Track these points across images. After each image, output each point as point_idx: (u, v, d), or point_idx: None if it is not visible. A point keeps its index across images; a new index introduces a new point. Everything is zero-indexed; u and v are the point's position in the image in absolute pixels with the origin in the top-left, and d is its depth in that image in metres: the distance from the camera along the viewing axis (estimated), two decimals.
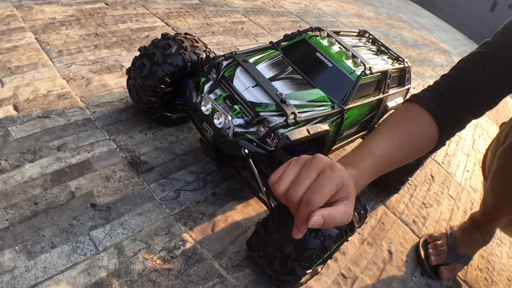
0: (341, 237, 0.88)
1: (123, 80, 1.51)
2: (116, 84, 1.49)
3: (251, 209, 1.21)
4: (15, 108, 1.24)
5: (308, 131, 1.00)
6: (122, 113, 1.37)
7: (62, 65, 1.49)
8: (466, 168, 2.10)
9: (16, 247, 0.88)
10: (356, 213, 0.91)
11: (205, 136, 1.11)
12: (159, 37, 1.26)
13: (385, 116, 1.37)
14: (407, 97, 1.45)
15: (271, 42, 1.23)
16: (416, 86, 2.74)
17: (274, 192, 0.68)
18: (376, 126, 1.53)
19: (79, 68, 1.51)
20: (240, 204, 1.21)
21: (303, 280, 0.99)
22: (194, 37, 1.29)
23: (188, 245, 1.03)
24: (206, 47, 1.28)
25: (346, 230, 0.88)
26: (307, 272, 0.91)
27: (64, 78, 1.43)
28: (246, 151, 0.95)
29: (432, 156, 1.97)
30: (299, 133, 0.98)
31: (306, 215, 0.64)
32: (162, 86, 1.19)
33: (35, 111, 1.25)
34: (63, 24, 1.74)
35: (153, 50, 1.21)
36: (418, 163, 1.38)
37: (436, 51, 4.13)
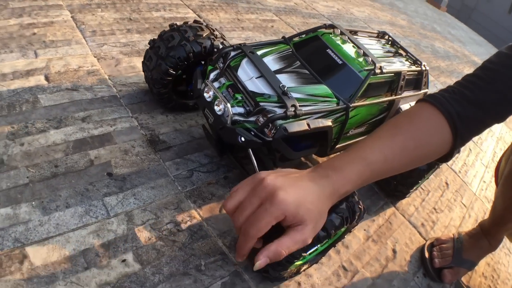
0: (325, 237, 0.84)
1: None
2: None
3: None
4: (46, 78, 1.30)
5: (308, 124, 1.00)
6: (147, 95, 1.42)
7: (95, 44, 1.56)
8: (483, 179, 2.08)
9: (33, 202, 0.94)
10: (337, 220, 0.84)
11: (208, 124, 1.13)
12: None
13: None
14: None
15: (283, 37, 1.25)
16: None
17: (224, 207, 0.74)
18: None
19: (111, 48, 1.58)
20: None
21: (292, 270, 0.99)
22: (201, 24, 1.28)
23: (194, 221, 1.07)
24: (213, 32, 1.27)
25: (319, 238, 0.82)
26: (295, 262, 0.90)
27: (95, 57, 1.50)
28: (243, 139, 0.96)
29: (449, 164, 1.96)
30: (298, 126, 0.98)
31: (245, 245, 0.69)
32: (168, 78, 1.22)
33: (64, 83, 1.32)
34: (99, 6, 1.81)
35: (158, 43, 1.23)
36: (428, 169, 1.36)
37: (467, 63, 4.08)
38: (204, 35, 1.24)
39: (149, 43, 1.28)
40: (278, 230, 0.71)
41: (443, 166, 1.91)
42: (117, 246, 0.93)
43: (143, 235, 0.98)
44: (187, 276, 0.93)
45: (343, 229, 0.99)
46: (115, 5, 1.87)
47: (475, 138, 2.46)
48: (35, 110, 1.18)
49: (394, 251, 1.31)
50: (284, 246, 0.68)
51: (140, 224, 1.00)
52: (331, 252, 1.17)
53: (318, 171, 0.75)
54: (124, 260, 0.91)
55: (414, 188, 1.50)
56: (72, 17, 1.66)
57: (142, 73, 1.50)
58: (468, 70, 3.85)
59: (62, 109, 1.22)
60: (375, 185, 1.53)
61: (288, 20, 2.69)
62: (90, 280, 0.84)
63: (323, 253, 1.08)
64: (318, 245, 1.04)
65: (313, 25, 2.87)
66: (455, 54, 4.22)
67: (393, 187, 1.42)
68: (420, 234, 1.44)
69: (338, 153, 1.13)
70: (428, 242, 1.37)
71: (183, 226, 1.04)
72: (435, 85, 2.86)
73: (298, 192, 0.69)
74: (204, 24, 1.30)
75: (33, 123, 1.14)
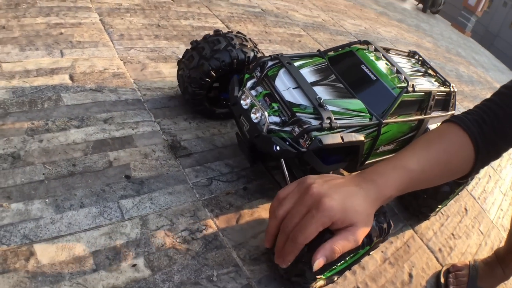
0: (357, 249, 0.84)
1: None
2: (169, 73, 1.53)
3: None
4: (71, 78, 1.30)
5: (342, 138, 0.99)
6: (171, 100, 1.40)
7: (122, 48, 1.55)
8: (500, 207, 1.99)
9: (47, 200, 0.91)
10: (376, 228, 0.87)
11: (242, 132, 1.11)
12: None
13: None
14: None
15: (318, 51, 1.24)
16: None
17: (272, 212, 0.76)
18: None
19: (137, 53, 1.57)
20: (269, 203, 1.19)
21: (317, 285, 0.96)
22: (245, 36, 1.31)
23: (210, 231, 1.03)
24: (255, 47, 1.29)
25: (363, 243, 0.85)
26: (318, 277, 0.88)
27: (121, 60, 1.49)
28: (278, 148, 0.95)
29: (468, 190, 1.89)
30: (333, 139, 0.97)
31: (292, 251, 0.72)
32: (207, 79, 1.22)
33: (89, 84, 1.30)
34: (128, 11, 1.81)
35: (203, 44, 1.24)
36: (450, 191, 1.32)
37: (490, 89, 3.98)
38: (248, 46, 1.26)
39: (191, 43, 1.28)
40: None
41: (463, 191, 1.84)
42: (129, 250, 0.89)
43: (156, 241, 0.94)
44: (197, 286, 0.89)
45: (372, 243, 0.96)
46: (144, 11, 1.87)
47: (495, 165, 2.39)
48: (57, 108, 1.17)
49: (410, 275, 1.24)
50: (338, 245, 0.70)
51: (154, 229, 0.96)
52: (347, 272, 1.11)
53: (362, 176, 0.77)
54: (134, 265, 0.87)
55: (436, 210, 1.45)
56: (100, 19, 1.66)
57: (168, 79, 1.49)
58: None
59: (84, 109, 1.21)
60: (396, 207, 1.48)
61: (316, 36, 2.67)
62: (97, 282, 0.80)
63: (349, 266, 1.03)
64: (348, 257, 1.00)
65: (340, 42, 2.83)
66: (478, 79, 4.14)
67: (421, 201, 1.37)
68: (437, 259, 1.37)
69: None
70: (444, 268, 1.33)
71: (198, 234, 1.00)
72: (458, 109, 2.79)
73: (344, 197, 0.71)
74: (248, 37, 1.32)
75: (54, 121, 1.12)
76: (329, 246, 0.69)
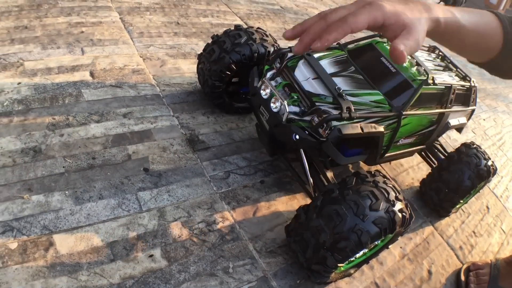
0: (379, 235, 0.84)
1: (196, 67, 1.56)
2: (188, 69, 1.54)
3: (296, 203, 1.18)
4: (91, 74, 1.32)
5: (361, 128, 0.98)
6: (189, 95, 1.41)
7: (141, 45, 1.57)
8: None
9: (67, 192, 0.93)
10: (401, 216, 0.87)
11: (261, 122, 1.12)
12: None
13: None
14: (472, 116, 1.40)
15: (338, 43, 1.23)
16: (487, 118, 2.58)
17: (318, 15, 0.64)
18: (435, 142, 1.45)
19: (157, 50, 1.59)
20: (286, 196, 1.19)
21: (333, 276, 0.95)
22: (265, 31, 1.31)
23: (227, 223, 1.03)
24: (275, 42, 1.29)
25: (386, 230, 0.84)
26: (339, 265, 0.87)
27: (141, 57, 1.51)
28: (297, 137, 0.95)
29: (490, 188, 1.83)
30: (352, 128, 0.96)
31: (335, 29, 0.59)
32: (227, 72, 1.22)
33: (109, 80, 1.32)
34: (147, 9, 1.83)
35: (224, 38, 1.25)
36: (472, 185, 1.29)
37: None
38: (268, 41, 1.27)
39: (212, 37, 1.29)
40: None
41: (485, 189, 1.79)
42: (146, 241, 0.90)
43: (174, 232, 0.95)
44: (213, 277, 0.89)
45: (390, 235, 0.96)
46: (164, 9, 1.89)
47: None
48: (77, 103, 1.19)
49: (429, 272, 1.22)
50: (406, 38, 0.63)
51: (171, 220, 0.97)
52: (364, 267, 1.10)
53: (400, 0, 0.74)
54: (151, 256, 0.88)
55: (458, 206, 1.44)
56: (120, 18, 1.69)
57: (187, 75, 1.50)
58: None
59: (104, 104, 1.23)
60: (416, 202, 1.45)
61: None
62: (114, 272, 0.82)
63: (367, 260, 1.04)
64: (366, 250, 1.01)
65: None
66: (501, 78, 4.03)
67: (443, 196, 1.34)
68: (457, 257, 1.34)
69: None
70: (464, 266, 1.29)
71: (215, 226, 1.01)
72: (480, 107, 2.73)
73: (395, 6, 0.67)
74: (268, 32, 1.33)
75: (75, 116, 1.14)
76: (399, 41, 0.62)
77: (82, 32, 1.50)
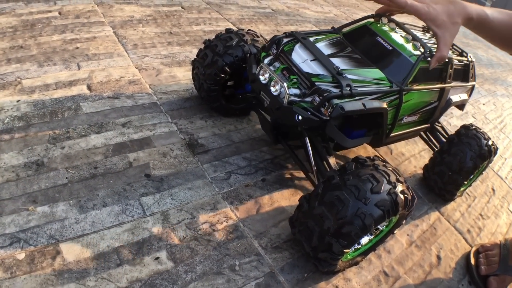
0: (383, 218, 0.85)
1: (191, 73, 1.58)
2: (184, 76, 1.56)
3: (299, 198, 1.19)
4: (89, 88, 1.34)
5: (364, 104, 0.98)
6: (186, 101, 1.43)
7: (136, 57, 1.60)
8: None
9: (71, 201, 0.95)
10: (403, 197, 0.87)
11: (263, 110, 1.12)
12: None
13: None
14: (472, 94, 1.43)
15: (332, 27, 1.24)
16: (487, 102, 2.59)
17: None
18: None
19: (152, 60, 1.61)
20: (288, 192, 1.20)
21: (340, 264, 0.96)
22: (256, 33, 1.33)
23: (230, 222, 1.04)
24: (267, 42, 1.30)
25: (389, 212, 0.85)
26: (345, 251, 0.88)
27: (136, 68, 1.53)
28: (300, 117, 0.95)
29: (495, 170, 1.84)
30: (354, 106, 0.96)
31: None
32: (222, 75, 1.24)
33: (106, 92, 1.35)
34: (140, 22, 1.86)
35: (216, 42, 1.27)
36: (474, 166, 1.29)
37: (511, 71, 3.87)
38: (259, 41, 1.29)
39: (204, 42, 1.31)
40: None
41: (489, 171, 1.80)
42: (151, 244, 0.92)
43: (178, 234, 0.96)
44: (220, 276, 0.90)
45: (395, 219, 0.97)
46: (156, 21, 1.92)
47: None
48: (77, 116, 1.21)
49: (438, 257, 1.22)
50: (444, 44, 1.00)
51: (175, 223, 0.98)
52: (372, 256, 1.11)
53: (445, 0, 0.99)
54: (157, 258, 0.89)
55: (462, 190, 1.44)
56: (114, 32, 1.71)
57: (183, 82, 1.52)
58: None
59: (103, 115, 1.25)
60: (420, 190, 1.46)
61: None
62: (121, 276, 0.83)
63: (374, 247, 1.04)
64: (372, 236, 1.02)
65: None
66: (498, 62, 4.03)
67: (447, 179, 1.35)
68: (465, 240, 1.34)
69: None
70: (474, 249, 1.29)
71: (219, 226, 1.02)
72: (479, 92, 2.74)
73: (437, 7, 0.96)
74: (259, 33, 1.35)
75: (75, 129, 1.16)
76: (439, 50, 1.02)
77: (77, 48, 1.53)
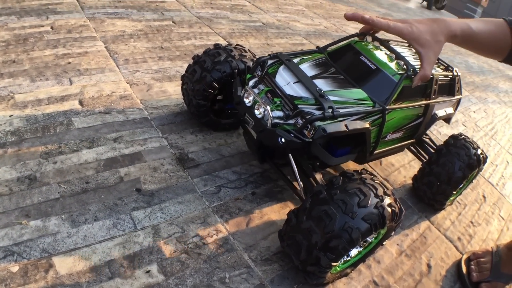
0: (370, 231, 0.87)
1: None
2: (174, 91, 1.59)
3: (288, 211, 1.22)
4: (80, 103, 1.36)
5: (346, 126, 1.01)
6: (177, 116, 1.46)
7: (127, 72, 1.62)
8: None
9: (63, 216, 0.96)
10: (390, 210, 0.90)
11: (248, 131, 1.14)
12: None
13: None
14: (459, 106, 1.44)
15: (317, 47, 1.27)
16: (477, 110, 2.65)
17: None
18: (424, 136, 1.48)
19: (143, 75, 1.63)
20: (278, 205, 1.23)
21: (329, 277, 0.98)
22: (244, 47, 1.36)
23: (221, 235, 1.06)
24: (255, 57, 1.34)
25: (376, 225, 0.88)
26: (333, 264, 0.90)
27: (128, 83, 1.55)
28: (283, 140, 0.97)
29: (486, 177, 1.88)
30: (336, 127, 0.99)
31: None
32: (210, 90, 1.26)
33: (98, 107, 1.37)
34: (131, 36, 1.89)
35: (204, 58, 1.29)
36: (463, 176, 1.32)
37: (502, 77, 3.96)
38: (247, 56, 1.32)
39: (193, 58, 1.33)
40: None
41: (480, 179, 1.84)
42: (142, 257, 0.93)
43: (169, 247, 0.98)
44: None
45: (383, 231, 0.99)
46: (147, 35, 1.95)
47: None
48: (68, 131, 1.23)
49: (429, 266, 1.25)
50: (427, 63, 1.02)
51: (166, 237, 1.00)
52: (361, 266, 1.13)
53: (432, 19, 1.03)
54: (148, 271, 0.91)
55: (451, 198, 1.46)
56: (105, 47, 1.74)
57: (174, 96, 1.55)
58: (503, 84, 3.76)
59: (94, 130, 1.27)
60: (410, 199, 1.49)
61: (318, 43, 2.71)
62: None
63: (363, 258, 1.06)
64: (361, 248, 1.05)
65: None
66: (489, 69, 4.12)
67: (436, 189, 1.37)
68: (456, 248, 1.37)
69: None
70: (465, 256, 1.31)
71: (209, 239, 1.04)
72: (470, 99, 2.80)
73: (421, 27, 1.00)
74: (247, 48, 1.37)
75: (67, 144, 1.18)
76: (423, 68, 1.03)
77: (69, 63, 1.55)
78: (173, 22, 2.20)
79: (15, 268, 0.83)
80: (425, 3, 7.49)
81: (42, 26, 1.77)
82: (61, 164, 1.11)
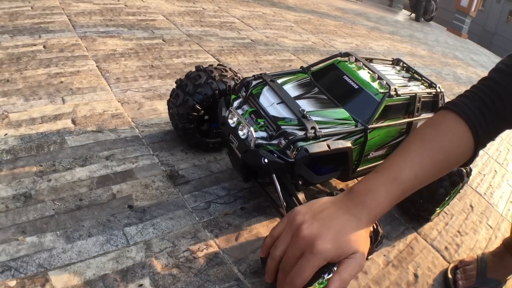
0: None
1: None
2: (165, 109, 1.63)
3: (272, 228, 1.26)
4: (73, 122, 1.40)
5: (328, 145, 1.05)
6: (167, 134, 1.50)
7: (119, 90, 1.66)
8: (509, 199, 2.02)
9: (58, 232, 1.00)
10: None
11: (233, 150, 1.18)
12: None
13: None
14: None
15: (301, 67, 1.32)
16: None
17: (270, 255, 0.80)
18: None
19: (134, 94, 1.68)
20: (267, 220, 1.27)
21: None
22: (225, 67, 1.39)
23: (211, 250, 1.10)
24: (236, 75, 1.38)
25: None
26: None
27: (119, 101, 1.60)
28: (266, 160, 1.01)
29: (473, 187, 1.94)
30: (319, 147, 1.03)
31: None
32: (194, 113, 1.30)
33: (90, 126, 1.41)
34: (122, 55, 1.94)
35: (185, 82, 1.33)
36: (446, 193, 1.36)
37: None
38: (228, 76, 1.35)
39: (176, 82, 1.37)
40: None
41: (467, 189, 1.89)
42: (135, 272, 0.97)
43: (160, 262, 1.02)
44: None
45: None
46: (138, 54, 2.00)
47: (501, 160, 2.47)
48: (62, 150, 1.27)
49: (415, 276, 1.29)
50: (345, 274, 0.71)
51: (158, 252, 1.04)
52: None
53: (352, 199, 0.77)
54: (141, 285, 0.94)
55: (437, 212, 1.50)
56: (97, 66, 1.78)
57: (164, 115, 1.59)
58: None
59: (87, 149, 1.30)
60: (396, 211, 1.54)
61: (306, 59, 2.78)
62: None
63: None
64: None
65: None
66: (478, 79, 4.23)
67: (419, 206, 1.41)
68: (443, 257, 1.42)
69: (361, 177, 1.14)
70: (451, 265, 1.34)
71: (199, 254, 1.08)
72: None
73: (336, 232, 0.72)
74: (228, 67, 1.41)
75: (60, 162, 1.22)
76: (337, 279, 0.70)
77: (62, 82, 1.59)
78: (163, 40, 2.26)
79: (12, 282, 0.86)
80: (413, 15, 7.65)
81: (35, 45, 1.81)
82: (55, 182, 1.14)
